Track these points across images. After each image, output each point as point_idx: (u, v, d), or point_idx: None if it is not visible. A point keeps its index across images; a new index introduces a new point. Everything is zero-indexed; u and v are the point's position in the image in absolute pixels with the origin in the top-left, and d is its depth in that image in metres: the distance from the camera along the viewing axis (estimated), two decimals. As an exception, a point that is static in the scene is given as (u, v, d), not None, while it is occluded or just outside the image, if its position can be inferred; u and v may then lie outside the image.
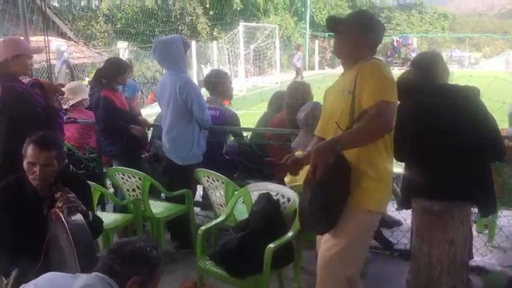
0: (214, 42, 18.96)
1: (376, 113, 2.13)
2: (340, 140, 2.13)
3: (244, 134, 4.61)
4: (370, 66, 2.23)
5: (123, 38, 18.81)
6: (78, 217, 2.14)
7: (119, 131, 4.14)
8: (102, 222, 2.58)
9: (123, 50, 13.40)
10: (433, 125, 2.79)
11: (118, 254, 1.70)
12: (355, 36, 2.31)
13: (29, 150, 2.41)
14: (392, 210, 4.12)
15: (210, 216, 4.46)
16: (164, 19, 22.57)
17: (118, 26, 20.43)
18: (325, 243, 2.33)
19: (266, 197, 2.95)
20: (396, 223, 4.24)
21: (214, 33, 22.15)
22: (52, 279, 1.70)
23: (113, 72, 4.12)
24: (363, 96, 2.20)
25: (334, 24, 2.38)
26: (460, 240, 2.92)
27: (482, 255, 3.62)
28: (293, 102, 3.91)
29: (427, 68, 2.88)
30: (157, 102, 4.30)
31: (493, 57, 32.84)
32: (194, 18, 21.88)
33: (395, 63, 23.41)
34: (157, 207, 3.80)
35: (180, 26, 22.45)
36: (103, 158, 4.50)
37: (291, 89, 4.03)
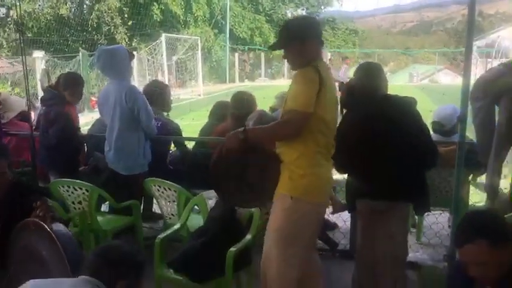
0: (134, 52, 18.55)
1: (286, 119, 2.49)
2: (248, 131, 2.53)
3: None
4: (297, 73, 2.52)
5: (35, 47, 17.90)
6: (61, 226, 2.10)
7: (69, 152, 4.04)
8: None
9: (40, 60, 12.72)
10: (375, 133, 3.01)
11: (105, 258, 1.72)
12: (290, 48, 2.56)
13: None
14: (328, 214, 4.36)
15: (155, 227, 4.44)
16: (79, 28, 21.76)
17: (29, 35, 19.35)
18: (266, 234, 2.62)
19: (223, 203, 3.02)
20: (332, 226, 4.49)
21: (133, 44, 21.71)
22: (38, 284, 1.67)
23: (76, 87, 4.09)
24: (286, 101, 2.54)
25: (278, 42, 2.63)
26: (401, 236, 3.20)
27: (414, 251, 3.95)
28: (239, 112, 4.02)
29: (370, 79, 3.13)
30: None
31: (398, 71, 35.44)
32: (112, 27, 21.31)
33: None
34: (103, 220, 3.72)
35: (96, 36, 21.76)
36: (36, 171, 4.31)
37: (237, 99, 4.13)
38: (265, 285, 2.64)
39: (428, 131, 3.25)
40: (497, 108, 2.97)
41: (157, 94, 4.36)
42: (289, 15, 31.28)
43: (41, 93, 11.83)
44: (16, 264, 2.21)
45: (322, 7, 33.54)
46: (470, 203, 4.04)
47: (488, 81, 2.95)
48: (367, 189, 3.12)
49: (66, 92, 4.10)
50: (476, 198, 3.92)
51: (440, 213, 4.24)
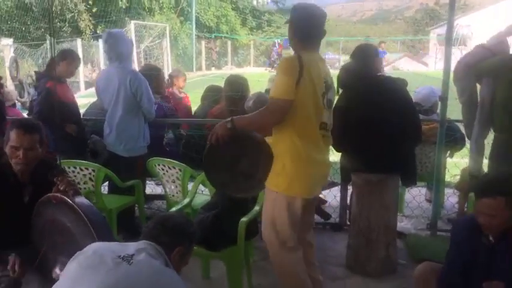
0: (100, 40, 18.25)
1: (267, 106, 2.55)
2: (235, 120, 2.58)
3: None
4: (280, 62, 2.64)
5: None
6: (83, 199, 2.20)
7: (52, 127, 4.07)
8: None
9: (8, 47, 12.37)
10: (370, 111, 3.27)
11: (166, 225, 1.86)
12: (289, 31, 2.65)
13: (12, 134, 2.41)
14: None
15: (153, 207, 4.61)
16: (40, 16, 21.14)
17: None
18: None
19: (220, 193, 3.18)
20: (323, 201, 4.77)
21: (98, 31, 21.29)
22: (103, 246, 1.76)
23: (72, 59, 4.09)
24: None
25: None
26: (393, 205, 3.50)
27: (399, 222, 4.27)
28: (233, 94, 4.21)
29: (366, 60, 3.37)
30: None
31: (360, 59, 36.02)
32: (76, 14, 20.83)
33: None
34: (108, 199, 3.84)
35: (59, 23, 21.19)
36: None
37: (231, 82, 4.31)
38: None
39: (416, 109, 3.55)
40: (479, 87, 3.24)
41: (154, 77, 4.47)
42: (254, 2, 31.38)
43: (9, 82, 11.59)
44: (41, 238, 2.27)
45: (288, -5, 33.68)
46: (448, 177, 4.40)
47: (471, 63, 3.23)
48: (362, 162, 3.39)
49: (61, 63, 4.02)
50: (455, 171, 4.26)
51: (423, 187, 4.59)
